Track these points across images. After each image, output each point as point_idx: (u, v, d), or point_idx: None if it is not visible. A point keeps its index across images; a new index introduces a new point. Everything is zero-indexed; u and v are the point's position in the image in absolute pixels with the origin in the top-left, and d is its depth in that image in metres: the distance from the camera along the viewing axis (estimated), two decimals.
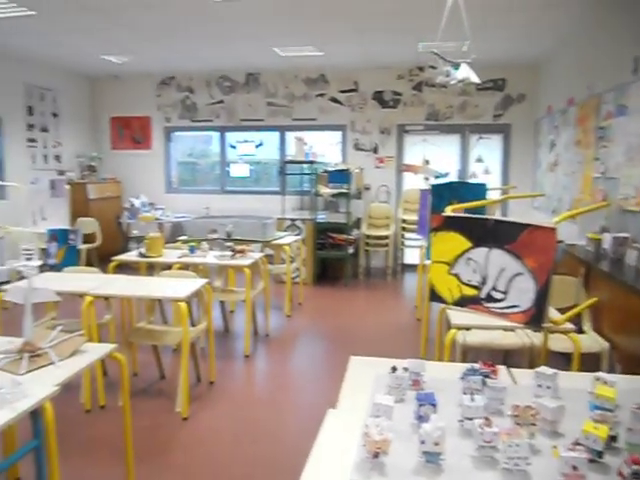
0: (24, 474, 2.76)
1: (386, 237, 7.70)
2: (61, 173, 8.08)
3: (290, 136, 8.41)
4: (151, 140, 8.95)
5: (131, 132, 9.02)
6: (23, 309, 2.26)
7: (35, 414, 1.76)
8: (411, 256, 7.87)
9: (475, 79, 3.97)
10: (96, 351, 2.26)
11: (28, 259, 2.14)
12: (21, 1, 5.00)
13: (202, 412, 3.54)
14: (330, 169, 7.30)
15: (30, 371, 1.98)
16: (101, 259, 6.80)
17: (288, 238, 5.85)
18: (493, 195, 6.08)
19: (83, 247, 6.91)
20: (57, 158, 8.36)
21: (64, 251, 6.33)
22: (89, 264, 6.00)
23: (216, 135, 8.89)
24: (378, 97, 8.09)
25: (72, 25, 5.84)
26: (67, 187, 7.39)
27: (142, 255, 4.66)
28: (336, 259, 7.32)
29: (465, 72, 3.95)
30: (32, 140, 7.86)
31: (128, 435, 2.53)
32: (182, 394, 3.46)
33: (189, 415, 3.45)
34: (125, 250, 6.69)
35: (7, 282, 1.97)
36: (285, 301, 5.81)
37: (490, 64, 7.27)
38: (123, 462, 2.63)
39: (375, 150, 8.21)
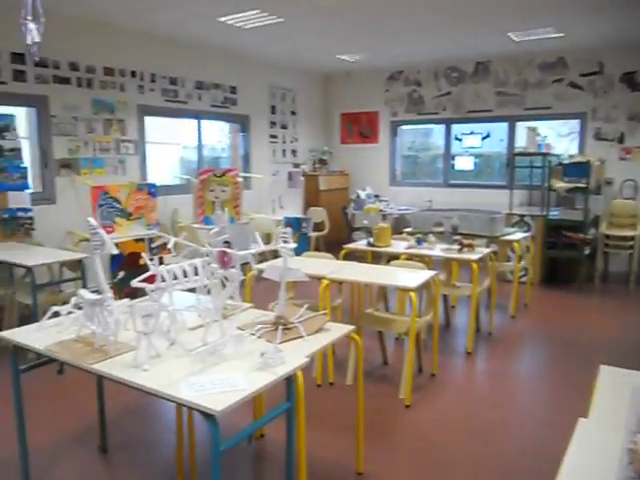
0: (267, 431, 3.11)
1: (631, 238, 6.82)
2: (296, 166, 8.83)
3: (520, 127, 7.95)
4: (378, 134, 9.26)
5: (359, 127, 9.45)
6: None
7: (289, 380, 1.95)
8: None
9: None
10: (337, 331, 2.41)
11: (285, 241, 2.36)
12: (272, 10, 5.56)
13: (424, 402, 3.56)
14: (566, 161, 6.71)
15: (284, 342, 2.19)
16: (327, 247, 7.26)
17: (517, 234, 5.54)
18: None
19: (313, 234, 7.47)
20: (293, 152, 9.16)
21: (297, 237, 6.95)
22: (316, 251, 6.44)
23: (439, 128, 8.82)
24: (628, 79, 7.17)
25: (313, 28, 6.31)
26: (302, 179, 8.06)
27: (370, 244, 4.86)
28: (568, 260, 6.71)
29: None
30: (273, 136, 8.72)
31: (360, 413, 2.65)
32: (406, 382, 3.53)
33: (412, 403, 3.50)
34: (350, 239, 7.03)
35: (246, 263, 2.19)
36: (510, 300, 5.53)
37: None
38: (352, 437, 2.78)
39: (621, 140, 7.32)
